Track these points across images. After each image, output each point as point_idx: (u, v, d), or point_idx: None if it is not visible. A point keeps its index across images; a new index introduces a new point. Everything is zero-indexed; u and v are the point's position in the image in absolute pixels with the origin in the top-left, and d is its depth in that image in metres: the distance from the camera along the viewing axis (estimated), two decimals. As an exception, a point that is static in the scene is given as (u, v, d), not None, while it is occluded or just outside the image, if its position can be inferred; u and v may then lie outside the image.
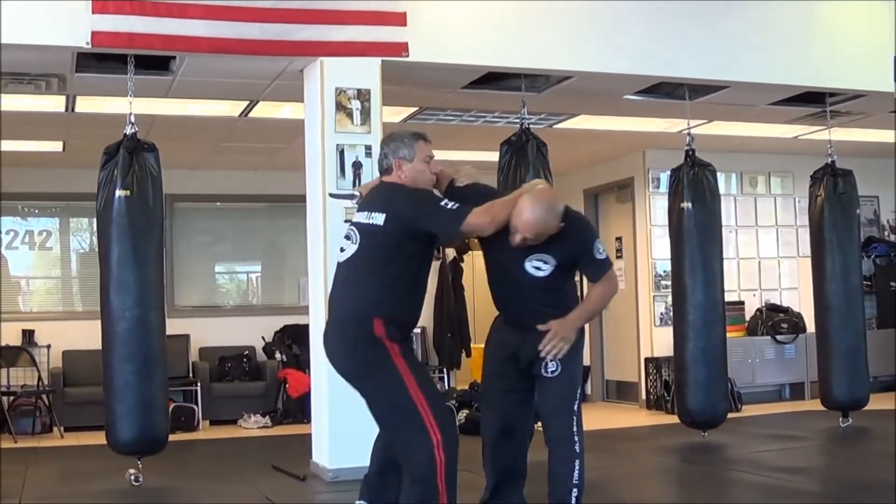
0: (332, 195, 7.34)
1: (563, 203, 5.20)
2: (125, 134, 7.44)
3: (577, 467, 5.11)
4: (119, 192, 7.32)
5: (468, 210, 4.84)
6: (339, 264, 5.04)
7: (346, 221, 7.11)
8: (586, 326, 5.44)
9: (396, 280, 4.87)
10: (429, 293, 13.16)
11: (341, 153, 7.61)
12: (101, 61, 7.65)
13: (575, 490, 5.12)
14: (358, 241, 4.90)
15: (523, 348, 5.22)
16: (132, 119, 7.49)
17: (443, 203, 4.87)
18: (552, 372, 5.14)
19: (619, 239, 13.17)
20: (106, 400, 7.44)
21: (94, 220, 7.86)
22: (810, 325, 11.32)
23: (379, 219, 4.85)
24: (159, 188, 7.51)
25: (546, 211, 5.01)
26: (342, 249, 5.01)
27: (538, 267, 5.11)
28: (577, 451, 5.14)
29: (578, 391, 5.26)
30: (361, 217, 4.97)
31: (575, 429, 5.15)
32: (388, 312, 4.81)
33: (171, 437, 7.86)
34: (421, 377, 4.82)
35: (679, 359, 9.31)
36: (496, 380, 5.41)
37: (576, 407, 5.19)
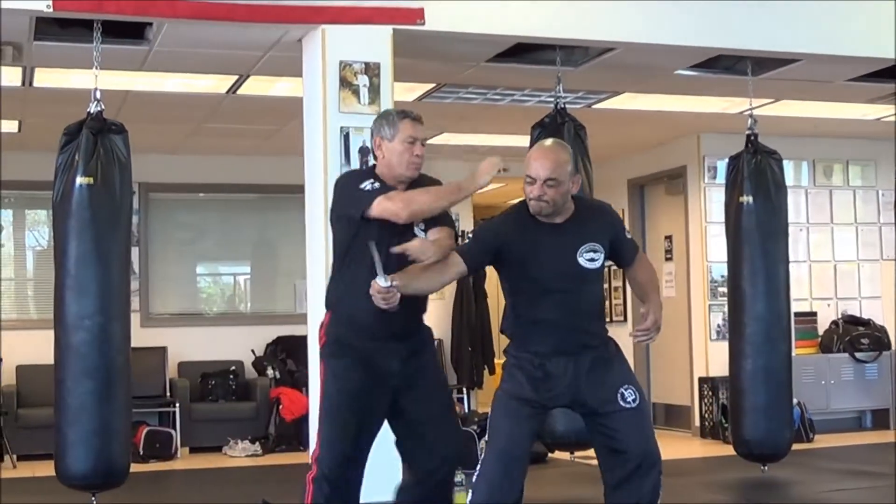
0: None
1: None
2: (89, 112, 7.46)
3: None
4: (80, 180, 7.32)
5: (382, 192, 5.17)
6: None
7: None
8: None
9: (337, 266, 5.40)
10: (446, 301, 13.23)
11: (346, 136, 7.63)
12: (64, 28, 7.68)
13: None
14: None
15: (580, 382, 5.25)
16: (98, 95, 7.49)
17: (362, 185, 5.22)
18: (633, 401, 5.24)
19: (668, 238, 13.18)
20: (57, 424, 7.39)
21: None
22: (896, 341, 11.34)
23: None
24: (128, 175, 7.52)
25: (556, 143, 5.41)
26: None
27: (592, 258, 5.25)
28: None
29: None
30: None
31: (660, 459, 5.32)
32: (332, 299, 5.40)
33: (145, 467, 7.91)
34: (329, 400, 5.33)
35: (735, 380, 9.32)
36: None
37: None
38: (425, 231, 5.29)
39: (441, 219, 5.33)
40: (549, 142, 5.43)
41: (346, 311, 5.30)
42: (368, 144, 7.50)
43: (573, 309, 5.27)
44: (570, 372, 5.23)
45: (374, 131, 5.40)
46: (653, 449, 5.26)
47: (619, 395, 5.22)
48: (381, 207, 5.10)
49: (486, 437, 5.32)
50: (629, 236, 5.51)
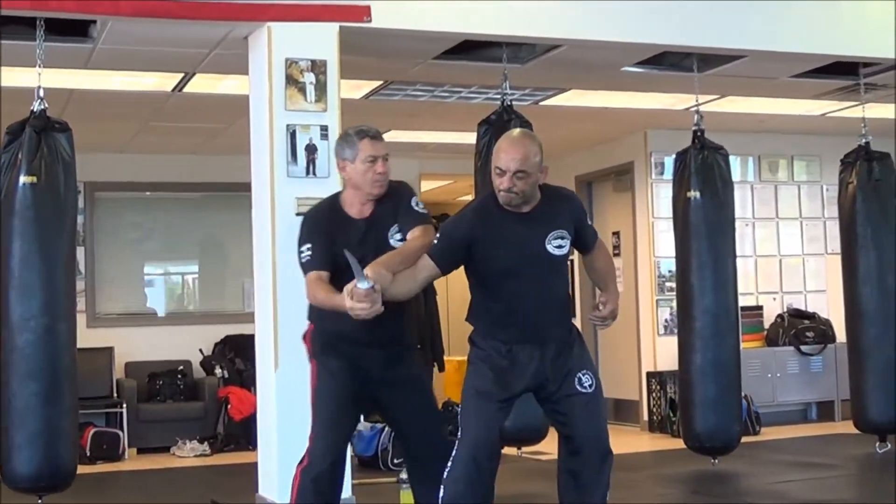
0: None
1: None
2: (32, 111, 7.42)
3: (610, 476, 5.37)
4: (23, 179, 7.28)
5: (306, 273, 5.39)
6: None
7: (297, 214, 7.11)
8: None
9: None
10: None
11: (292, 134, 7.59)
12: (5, 24, 7.59)
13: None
14: None
15: (545, 368, 5.33)
16: (41, 94, 7.46)
17: (300, 249, 5.43)
18: (589, 386, 5.33)
19: (616, 234, 13.22)
20: (2, 426, 7.34)
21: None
22: (840, 334, 11.40)
23: None
24: (72, 174, 7.49)
25: (524, 134, 5.58)
26: None
27: (560, 245, 5.34)
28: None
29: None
30: None
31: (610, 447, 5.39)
32: (314, 318, 5.53)
33: (92, 469, 7.85)
34: (317, 398, 5.47)
35: (684, 373, 9.36)
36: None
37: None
38: (402, 234, 5.45)
39: (417, 218, 5.47)
40: (516, 132, 5.59)
41: (328, 324, 5.43)
42: (316, 143, 7.54)
43: (542, 297, 5.36)
44: (537, 359, 5.31)
45: (337, 154, 5.55)
46: (603, 437, 5.32)
47: (576, 380, 5.30)
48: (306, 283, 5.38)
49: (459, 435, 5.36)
50: (591, 223, 5.65)
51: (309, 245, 5.35)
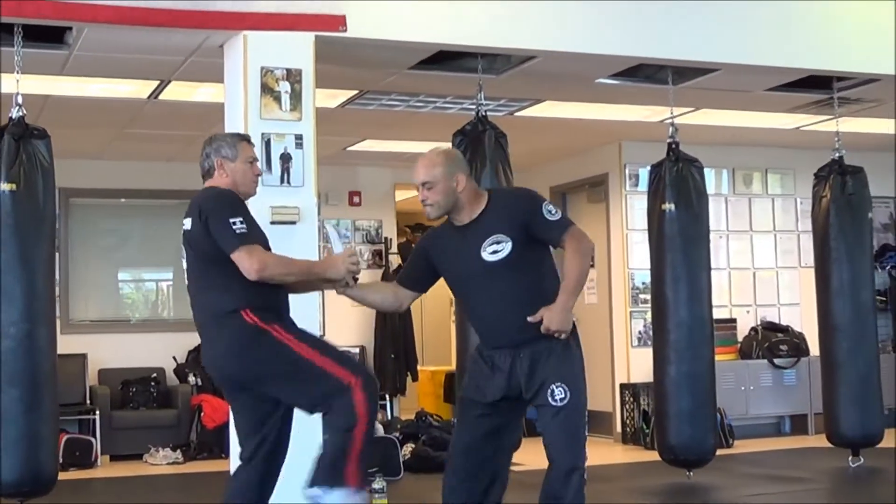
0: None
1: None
2: (10, 117, 7.41)
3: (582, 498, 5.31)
4: (3, 186, 7.28)
5: (246, 244, 5.17)
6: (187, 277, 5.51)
7: (272, 223, 7.13)
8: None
9: (231, 270, 5.21)
10: (368, 309, 13.18)
11: (267, 143, 7.59)
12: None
13: None
14: (187, 249, 5.45)
15: (519, 376, 5.35)
16: (19, 100, 7.45)
17: (232, 220, 5.20)
18: (560, 400, 5.27)
19: (591, 245, 13.19)
20: (-17, 433, 7.35)
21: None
22: (814, 348, 11.42)
23: (188, 223, 5.37)
24: (51, 181, 7.49)
25: (433, 150, 5.55)
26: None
27: (495, 250, 5.32)
28: (581, 484, 5.30)
29: (585, 418, 5.43)
30: (185, 226, 5.42)
31: (580, 462, 5.31)
32: (250, 301, 5.23)
33: (63, 476, 7.80)
34: (312, 340, 5.32)
35: (659, 385, 9.37)
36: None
37: (583, 438, 5.37)
38: None
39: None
40: (428, 150, 5.58)
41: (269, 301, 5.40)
42: (290, 152, 7.56)
43: (496, 304, 5.39)
44: (508, 365, 5.36)
45: (213, 152, 5.49)
46: (568, 452, 5.29)
47: (549, 392, 5.27)
48: (238, 258, 5.14)
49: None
50: (553, 217, 5.37)
51: (241, 219, 5.21)
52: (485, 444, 5.42)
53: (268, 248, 5.30)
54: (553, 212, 5.40)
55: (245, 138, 5.66)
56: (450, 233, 5.50)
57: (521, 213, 5.38)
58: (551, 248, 5.50)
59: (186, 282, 5.49)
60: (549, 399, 5.26)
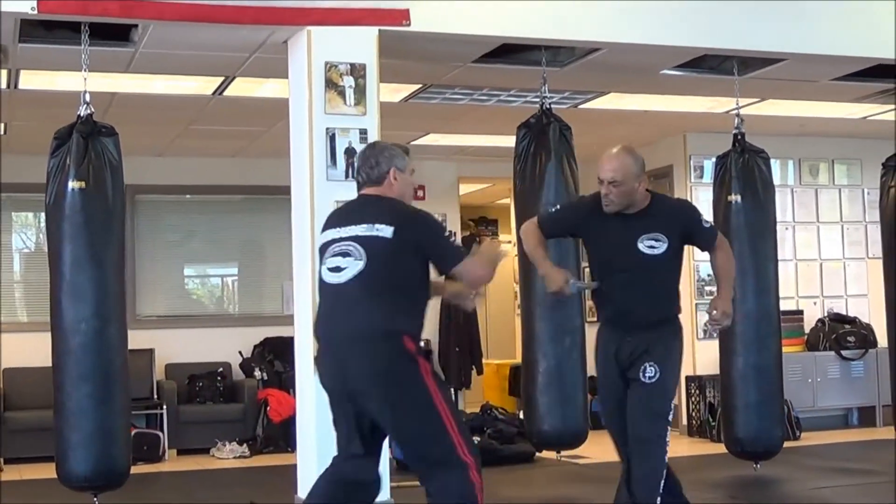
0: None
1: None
2: (79, 115, 7.46)
3: (660, 471, 5.99)
4: (72, 184, 7.33)
5: (468, 255, 5.27)
6: (337, 285, 5.23)
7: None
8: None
9: (413, 293, 5.26)
10: (434, 302, 13.25)
11: (332, 138, 7.62)
12: (50, 30, 7.67)
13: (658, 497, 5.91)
14: (364, 256, 5.17)
15: (623, 349, 6.06)
16: (87, 98, 7.51)
17: (446, 234, 5.52)
18: (650, 378, 5.93)
19: (656, 237, 13.16)
20: (57, 426, 7.45)
21: (42, 215, 7.86)
22: (882, 339, 11.33)
23: (386, 231, 5.17)
24: (119, 179, 7.55)
25: (622, 149, 6.21)
26: (338, 269, 5.22)
27: (653, 245, 6.00)
28: (661, 455, 5.99)
29: (672, 402, 6.11)
30: (359, 230, 5.22)
31: (662, 433, 6.02)
32: (413, 328, 5.24)
33: (133, 470, 7.86)
34: (448, 398, 5.22)
35: (726, 378, 9.34)
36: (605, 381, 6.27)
37: (669, 417, 6.07)
38: None
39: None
40: (616, 148, 6.24)
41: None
42: (355, 146, 7.56)
43: (634, 289, 6.04)
44: (621, 343, 6.06)
45: (385, 162, 5.39)
46: (641, 424, 5.95)
47: (642, 370, 5.92)
48: (468, 267, 5.21)
49: None
50: (707, 226, 6.26)
51: (449, 231, 5.28)
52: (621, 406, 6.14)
53: None
54: (707, 222, 6.32)
55: (407, 150, 5.61)
56: (606, 214, 6.07)
57: (683, 221, 6.18)
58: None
59: (338, 285, 5.24)
60: (641, 376, 5.94)
